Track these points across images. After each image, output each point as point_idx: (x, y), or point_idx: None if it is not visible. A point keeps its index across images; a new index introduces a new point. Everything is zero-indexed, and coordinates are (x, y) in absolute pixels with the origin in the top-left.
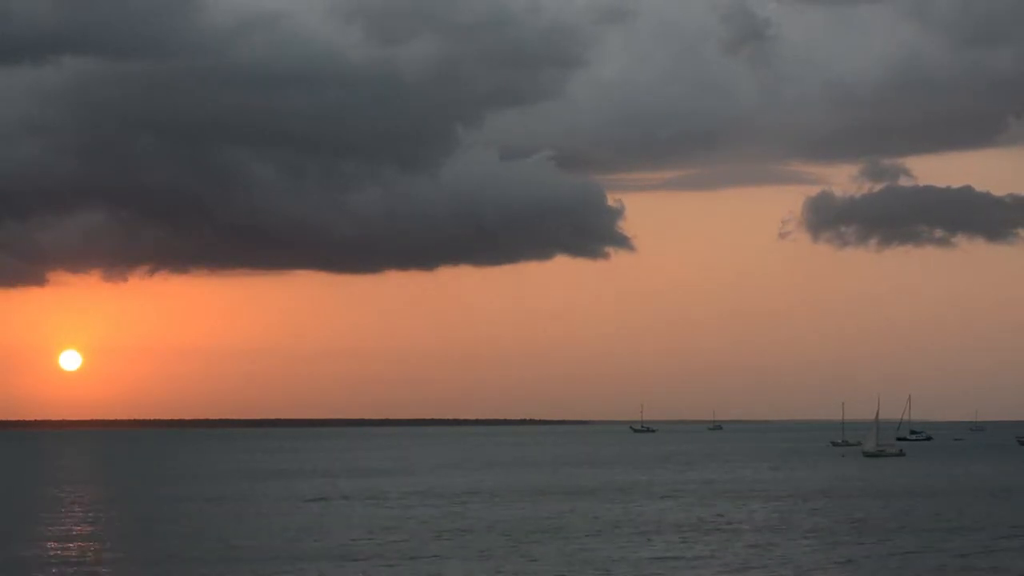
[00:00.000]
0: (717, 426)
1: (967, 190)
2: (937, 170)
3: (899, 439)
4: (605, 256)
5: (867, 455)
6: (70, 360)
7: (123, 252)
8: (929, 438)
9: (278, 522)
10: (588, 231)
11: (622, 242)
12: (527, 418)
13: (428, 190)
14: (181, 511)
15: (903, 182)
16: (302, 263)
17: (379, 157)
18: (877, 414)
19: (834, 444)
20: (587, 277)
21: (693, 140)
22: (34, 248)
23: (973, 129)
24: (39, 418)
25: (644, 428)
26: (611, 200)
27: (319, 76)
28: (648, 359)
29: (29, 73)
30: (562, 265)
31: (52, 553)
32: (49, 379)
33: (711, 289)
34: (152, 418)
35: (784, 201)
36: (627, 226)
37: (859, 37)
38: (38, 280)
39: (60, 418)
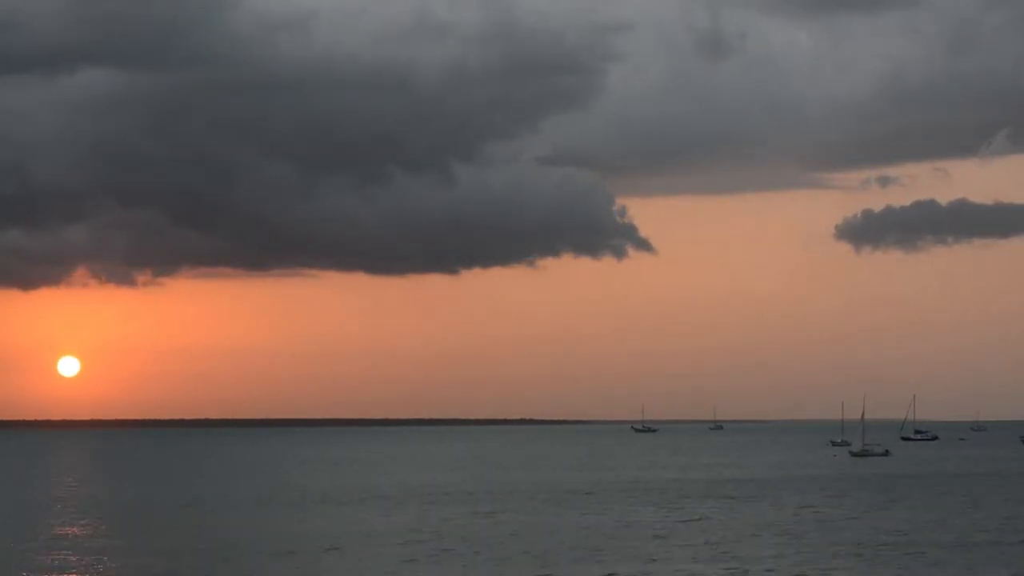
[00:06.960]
0: (718, 426)
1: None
2: (932, 177)
3: (903, 439)
4: (608, 257)
5: (854, 455)
6: (68, 366)
7: (127, 254)
8: (935, 438)
9: None
10: (592, 233)
11: (625, 244)
12: (526, 418)
13: (436, 193)
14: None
15: (903, 188)
16: (307, 265)
17: (388, 160)
18: (863, 414)
19: (833, 443)
20: (588, 278)
21: (696, 148)
22: (40, 251)
23: (967, 139)
24: (40, 418)
25: (646, 428)
26: (614, 202)
27: (330, 80)
28: (649, 359)
29: (43, 82)
30: (564, 266)
31: None
32: (51, 380)
33: (712, 289)
34: (156, 418)
35: (784, 205)
36: (629, 228)
37: (852, 50)
38: (43, 283)
39: (61, 418)
